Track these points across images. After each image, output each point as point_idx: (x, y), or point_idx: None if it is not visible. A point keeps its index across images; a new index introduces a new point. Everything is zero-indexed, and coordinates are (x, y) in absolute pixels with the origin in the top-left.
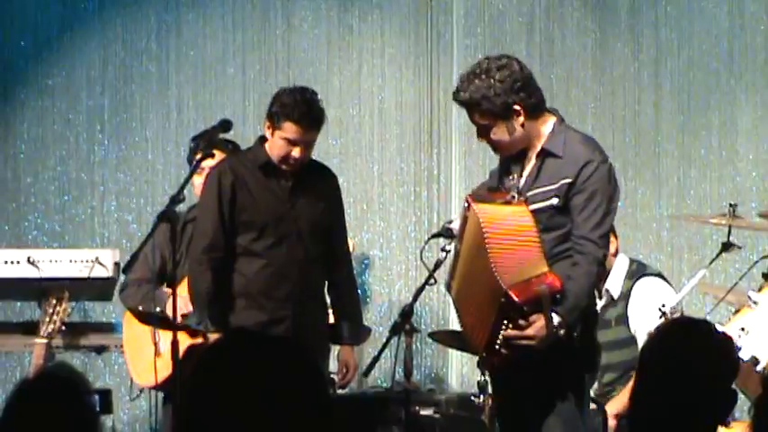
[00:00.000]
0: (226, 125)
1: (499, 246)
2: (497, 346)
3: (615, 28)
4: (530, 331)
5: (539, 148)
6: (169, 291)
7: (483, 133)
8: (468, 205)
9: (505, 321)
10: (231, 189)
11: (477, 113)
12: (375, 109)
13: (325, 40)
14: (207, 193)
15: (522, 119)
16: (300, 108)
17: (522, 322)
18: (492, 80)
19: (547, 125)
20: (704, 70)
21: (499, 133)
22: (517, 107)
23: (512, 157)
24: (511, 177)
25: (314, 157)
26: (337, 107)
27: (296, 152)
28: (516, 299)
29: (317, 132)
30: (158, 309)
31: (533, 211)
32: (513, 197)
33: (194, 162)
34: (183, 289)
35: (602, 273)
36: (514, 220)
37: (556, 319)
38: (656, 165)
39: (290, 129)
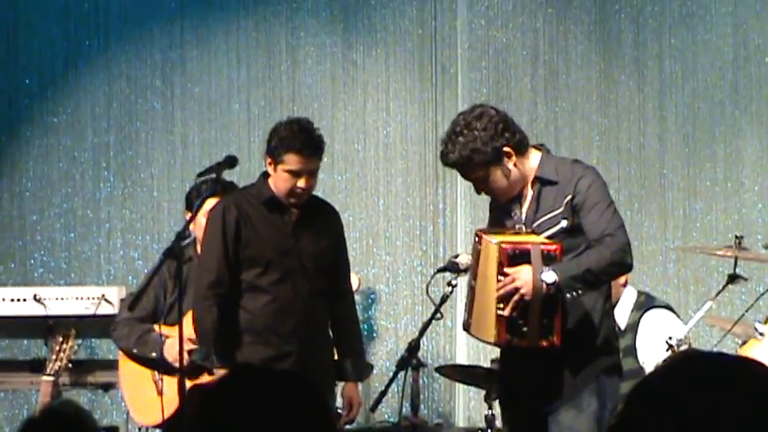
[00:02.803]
0: (231, 161)
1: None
2: (497, 310)
3: (620, 60)
4: (515, 276)
5: (531, 178)
6: (165, 333)
7: (482, 186)
8: (480, 238)
9: (499, 276)
10: (235, 224)
11: (471, 168)
12: (380, 144)
13: (330, 75)
14: (211, 229)
15: (513, 158)
16: (300, 138)
17: (509, 270)
18: (476, 132)
19: (534, 158)
20: (709, 102)
21: (497, 179)
22: (507, 149)
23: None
24: (513, 214)
25: (318, 194)
26: (342, 142)
27: (301, 183)
28: (504, 246)
29: (318, 160)
30: (153, 353)
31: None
32: (521, 228)
33: (200, 199)
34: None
35: (623, 259)
36: (528, 238)
37: (551, 276)
38: (661, 197)
39: (292, 160)
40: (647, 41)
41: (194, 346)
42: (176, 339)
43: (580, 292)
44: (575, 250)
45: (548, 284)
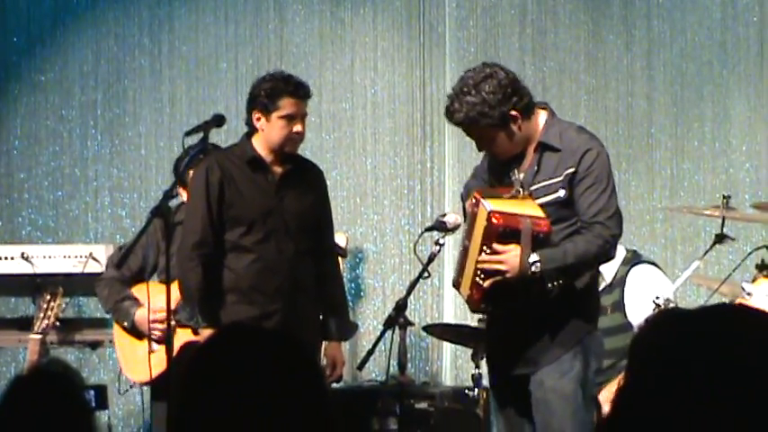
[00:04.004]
0: (218, 120)
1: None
2: (477, 278)
3: (608, 20)
4: (502, 257)
5: (535, 142)
6: (137, 297)
7: (484, 146)
8: (477, 201)
9: (485, 248)
10: (219, 185)
11: (476, 130)
12: (368, 102)
13: (318, 33)
14: (194, 190)
15: (519, 122)
16: (291, 82)
17: (497, 247)
18: (484, 94)
19: (539, 120)
20: (697, 62)
21: (501, 142)
22: (513, 113)
23: None
24: (511, 174)
25: (306, 153)
26: (330, 101)
27: (298, 127)
28: (495, 221)
29: (306, 106)
30: (125, 323)
31: (540, 205)
32: (519, 191)
33: (189, 156)
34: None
35: (609, 252)
36: (523, 207)
37: (534, 256)
38: (649, 156)
39: (288, 104)
40: (635, 1)
41: (161, 315)
42: (146, 309)
43: (561, 282)
44: (568, 220)
45: (533, 271)
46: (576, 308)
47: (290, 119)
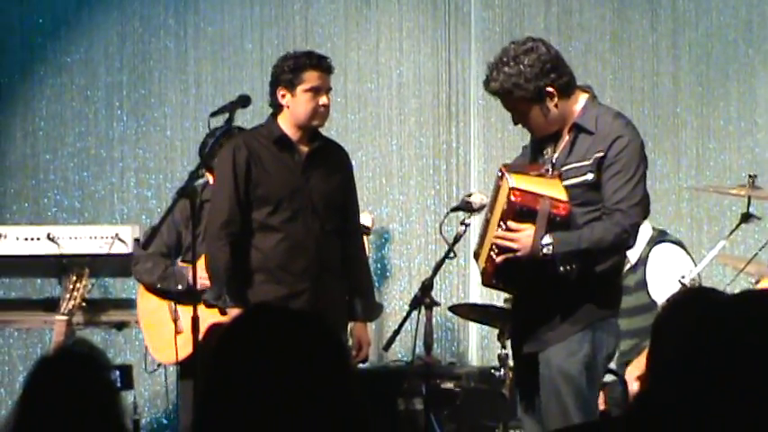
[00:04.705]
0: (244, 101)
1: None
2: (492, 253)
3: None
4: (515, 236)
5: (571, 122)
6: (189, 266)
7: (519, 119)
8: (502, 174)
9: (501, 223)
10: (246, 164)
11: (511, 101)
12: (393, 83)
13: (343, 14)
14: (222, 169)
15: (555, 100)
16: (313, 56)
17: (512, 225)
18: (522, 66)
19: (579, 102)
20: (722, 41)
21: (534, 117)
22: (550, 89)
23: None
24: (545, 152)
25: (332, 133)
26: (355, 82)
27: (324, 99)
28: (514, 198)
29: (330, 79)
30: (180, 286)
31: (567, 187)
32: (547, 170)
33: (215, 137)
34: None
35: (627, 241)
36: (546, 187)
37: (547, 239)
38: (674, 136)
39: (312, 77)
40: None
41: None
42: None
43: (575, 267)
44: (594, 204)
45: (544, 253)
46: (591, 292)
47: (315, 91)
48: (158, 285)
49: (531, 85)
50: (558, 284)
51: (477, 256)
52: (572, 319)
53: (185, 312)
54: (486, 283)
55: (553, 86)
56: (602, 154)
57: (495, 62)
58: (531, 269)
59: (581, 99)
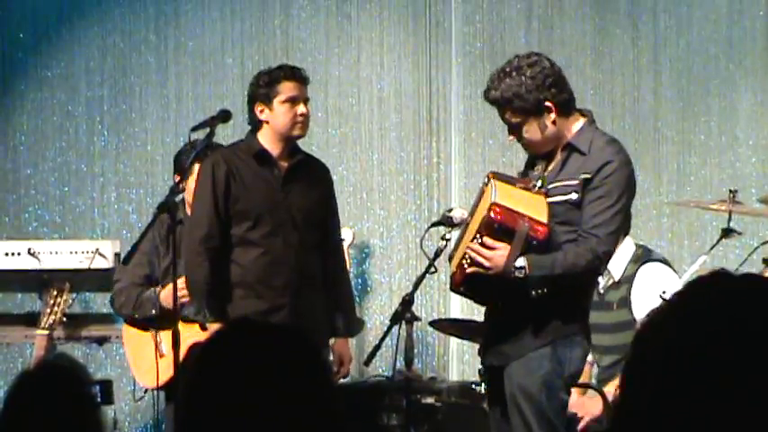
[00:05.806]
0: (225, 115)
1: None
2: (464, 261)
3: (614, 14)
4: (489, 254)
5: (565, 142)
6: (158, 288)
7: (514, 132)
8: (488, 181)
9: (478, 235)
10: (225, 179)
11: (509, 111)
12: (374, 98)
13: (324, 29)
14: (201, 185)
15: (553, 116)
16: (286, 68)
17: (488, 241)
18: (523, 77)
19: (577, 124)
20: (703, 56)
21: (531, 131)
22: (549, 104)
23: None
24: (536, 169)
25: (312, 148)
26: (336, 96)
27: (302, 108)
28: (494, 215)
29: (306, 90)
30: (153, 311)
31: (551, 204)
32: (534, 185)
33: (195, 151)
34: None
35: (598, 268)
36: (529, 205)
37: (521, 261)
38: (655, 151)
39: (287, 87)
40: None
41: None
42: (168, 289)
43: (546, 291)
44: (575, 225)
45: (516, 276)
46: (556, 308)
47: (292, 101)
48: (135, 315)
49: (530, 96)
50: (524, 300)
51: (450, 258)
52: (534, 334)
53: (167, 336)
54: (454, 289)
55: (552, 102)
56: (589, 176)
57: (498, 72)
58: (500, 285)
59: (579, 121)
